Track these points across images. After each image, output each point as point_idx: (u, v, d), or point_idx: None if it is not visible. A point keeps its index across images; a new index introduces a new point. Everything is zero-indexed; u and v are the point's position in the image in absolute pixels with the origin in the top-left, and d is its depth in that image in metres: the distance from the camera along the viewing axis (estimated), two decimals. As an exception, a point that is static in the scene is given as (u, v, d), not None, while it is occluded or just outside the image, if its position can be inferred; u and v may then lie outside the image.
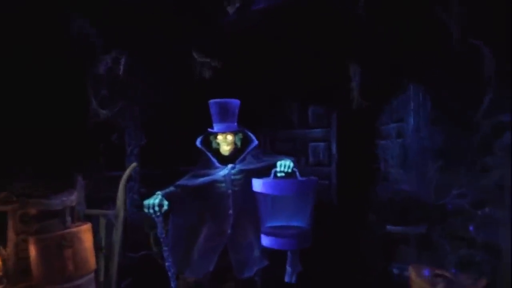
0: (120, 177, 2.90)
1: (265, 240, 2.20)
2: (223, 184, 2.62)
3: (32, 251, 2.14)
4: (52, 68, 2.38)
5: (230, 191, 2.59)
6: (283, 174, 2.25)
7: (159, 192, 2.47)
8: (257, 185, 2.14)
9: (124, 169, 2.98)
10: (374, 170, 3.41)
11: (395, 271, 2.36)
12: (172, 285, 2.42)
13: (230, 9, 1.86)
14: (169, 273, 2.42)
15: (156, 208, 2.36)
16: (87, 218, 2.51)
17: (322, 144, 3.71)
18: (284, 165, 2.28)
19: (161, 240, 2.44)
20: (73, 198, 2.27)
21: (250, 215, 2.65)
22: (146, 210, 2.37)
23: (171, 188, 2.61)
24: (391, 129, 3.37)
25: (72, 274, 2.16)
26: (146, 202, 2.39)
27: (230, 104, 2.55)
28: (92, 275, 2.24)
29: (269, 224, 2.25)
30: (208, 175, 2.64)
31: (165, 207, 2.37)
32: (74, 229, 2.21)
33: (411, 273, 1.94)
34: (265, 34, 2.56)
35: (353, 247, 2.57)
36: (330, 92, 3.52)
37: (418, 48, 2.51)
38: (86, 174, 2.58)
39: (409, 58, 2.61)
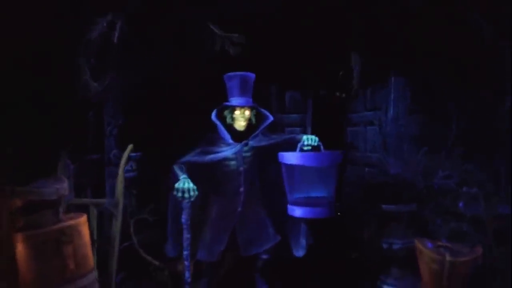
0: (98, 161, 2.59)
1: (296, 211, 2.25)
2: (234, 162, 2.54)
3: (22, 249, 1.77)
4: (37, 29, 1.94)
5: (241, 168, 2.53)
6: (309, 148, 2.32)
7: (184, 175, 2.28)
8: (291, 158, 2.19)
9: (102, 152, 2.66)
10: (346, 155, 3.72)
11: (385, 245, 2.65)
12: (187, 275, 2.28)
13: None
14: (186, 263, 2.28)
15: (192, 193, 2.18)
16: (75, 209, 2.16)
17: (297, 129, 3.78)
18: (311, 139, 2.34)
19: (184, 228, 2.27)
20: (66, 186, 1.92)
21: (258, 192, 2.67)
22: (180, 195, 2.18)
23: (182, 167, 2.41)
24: (364, 117, 3.68)
25: (74, 273, 1.86)
26: (179, 186, 2.20)
27: (249, 78, 2.44)
28: (94, 273, 1.96)
29: (297, 196, 2.29)
30: (216, 152, 2.51)
31: (195, 193, 2.21)
32: (73, 222, 1.88)
33: (417, 245, 2.19)
34: (255, 18, 2.50)
35: (351, 225, 2.78)
36: (307, 78, 3.65)
37: (404, 43, 2.77)
38: (69, 157, 2.21)
39: (395, 53, 2.86)
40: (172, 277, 2.83)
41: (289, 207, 2.32)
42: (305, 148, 2.34)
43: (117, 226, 2.07)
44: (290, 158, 2.21)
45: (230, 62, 2.45)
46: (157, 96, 2.49)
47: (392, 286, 2.69)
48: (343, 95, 3.89)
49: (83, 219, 1.96)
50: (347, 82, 2.89)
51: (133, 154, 2.99)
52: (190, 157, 2.50)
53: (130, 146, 2.18)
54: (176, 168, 2.39)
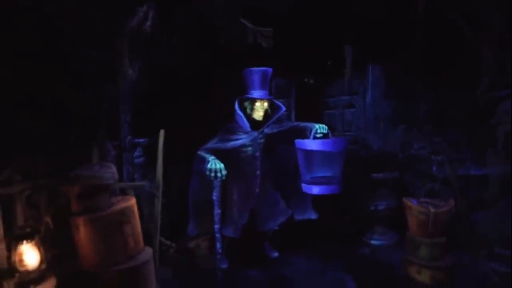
0: (117, 147, 2.63)
1: (313, 189, 2.58)
2: (251, 148, 2.84)
3: (87, 231, 1.82)
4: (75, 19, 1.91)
5: (257, 153, 2.86)
6: (321, 135, 2.65)
7: (213, 157, 2.45)
8: (309, 144, 2.52)
9: (119, 139, 2.69)
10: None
11: (372, 207, 3.15)
12: (219, 244, 2.50)
13: None
14: (217, 235, 2.50)
15: (223, 173, 2.37)
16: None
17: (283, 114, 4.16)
18: (322, 127, 2.69)
19: (216, 203, 2.47)
20: (116, 171, 1.99)
21: (269, 174, 2.99)
22: (212, 174, 2.40)
23: (207, 152, 2.58)
24: (341, 101, 4.13)
25: (133, 250, 1.97)
26: (210, 166, 2.44)
27: (268, 73, 2.70)
28: (150, 249, 2.08)
29: (312, 176, 2.62)
30: (235, 139, 2.74)
31: (225, 172, 2.39)
32: (130, 204, 1.97)
33: (406, 203, 2.70)
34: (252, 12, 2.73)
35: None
36: (291, 66, 3.97)
37: (380, 37, 3.23)
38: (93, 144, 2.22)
39: (373, 45, 3.31)
40: (182, 254, 3.06)
41: (305, 186, 2.61)
42: (318, 135, 2.66)
43: (158, 206, 2.20)
44: (308, 144, 2.51)
45: (228, 53, 2.67)
46: (175, 85, 2.60)
47: (377, 240, 3.28)
48: (311, 81, 4.33)
49: (134, 200, 2.07)
50: (335, 70, 3.30)
51: (141, 140, 3.09)
52: (213, 144, 2.73)
53: (161, 132, 2.28)
54: (202, 153, 2.63)
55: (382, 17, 2.72)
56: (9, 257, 1.78)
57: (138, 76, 2.32)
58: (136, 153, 3.08)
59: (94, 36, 2.02)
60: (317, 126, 2.68)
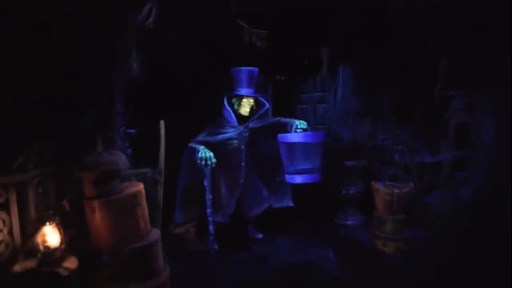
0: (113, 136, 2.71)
1: (297, 178, 2.87)
2: (236, 141, 3.09)
3: (103, 214, 1.94)
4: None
5: (243, 146, 3.11)
6: (301, 130, 2.92)
7: (203, 146, 2.63)
8: (291, 137, 2.83)
9: (114, 129, 2.77)
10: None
11: (343, 192, 3.52)
12: (211, 227, 2.70)
13: None
14: (209, 219, 2.70)
15: (212, 160, 2.55)
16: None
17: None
18: (302, 122, 2.99)
19: (207, 189, 2.66)
20: (125, 158, 2.10)
21: (253, 165, 3.23)
22: (203, 162, 2.58)
23: (197, 143, 2.75)
24: (314, 97, 4.47)
25: (143, 231, 2.12)
26: (201, 155, 2.66)
27: (255, 72, 2.94)
28: (158, 230, 2.22)
29: (295, 167, 2.89)
30: (223, 133, 2.95)
31: (214, 159, 2.58)
32: (139, 188, 2.11)
33: (374, 186, 3.10)
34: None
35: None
36: (271, 65, 4.22)
37: (350, 41, 3.60)
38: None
39: (343, 48, 3.67)
40: (171, 239, 3.22)
41: (289, 176, 2.90)
42: (298, 130, 2.97)
43: (160, 191, 2.35)
44: (291, 137, 2.82)
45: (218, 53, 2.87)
46: (170, 79, 2.74)
47: (347, 220, 3.69)
48: (283, 78, 4.65)
49: (142, 185, 2.22)
50: (310, 70, 3.63)
51: (132, 130, 3.17)
52: (202, 137, 2.94)
53: (162, 122, 2.42)
54: (193, 145, 2.85)
55: (355, 25, 3.08)
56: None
57: (139, 70, 2.45)
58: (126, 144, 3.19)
59: (102, 32, 2.13)
60: (297, 121, 3.00)
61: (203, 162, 2.67)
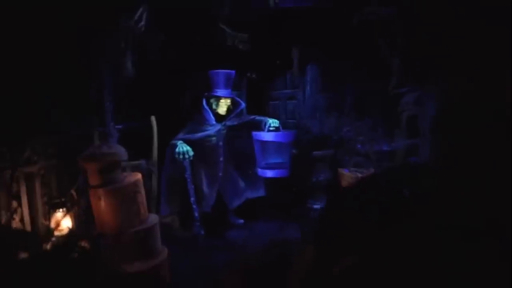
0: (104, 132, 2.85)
1: (268, 173, 3.19)
2: (215, 138, 3.36)
3: (108, 201, 2.10)
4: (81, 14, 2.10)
5: (220, 143, 3.39)
6: (273, 128, 3.22)
7: (181, 141, 2.82)
8: (264, 136, 3.18)
9: (104, 125, 2.90)
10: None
11: (314, 179, 3.89)
12: (196, 213, 2.92)
13: (271, 1, 2.48)
14: (194, 206, 2.92)
15: (190, 154, 2.76)
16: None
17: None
18: (274, 122, 3.28)
19: (188, 180, 2.86)
20: (124, 150, 2.27)
21: (230, 159, 3.48)
22: (180, 156, 2.74)
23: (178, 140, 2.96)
24: (284, 94, 4.80)
25: (143, 216, 2.33)
26: (178, 150, 2.80)
27: (232, 74, 3.19)
28: (156, 215, 2.41)
29: (266, 162, 3.20)
30: (202, 130, 3.22)
31: (191, 153, 2.80)
32: (139, 177, 2.29)
33: (340, 172, 3.49)
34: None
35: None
36: (245, 64, 4.49)
37: (318, 42, 3.97)
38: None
39: (311, 48, 4.03)
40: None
41: (261, 170, 3.27)
42: (271, 128, 3.30)
43: (155, 180, 2.54)
44: (264, 136, 3.16)
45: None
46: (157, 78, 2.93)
47: (317, 205, 4.08)
48: (254, 75, 4.97)
49: (140, 175, 2.40)
50: (281, 69, 3.96)
51: (119, 126, 3.30)
52: (183, 135, 3.16)
53: (153, 118, 2.60)
54: (173, 141, 3.05)
55: (321, 29, 3.45)
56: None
57: (132, 69, 2.62)
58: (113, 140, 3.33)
59: (99, 35, 2.28)
60: (270, 120, 3.33)
61: (181, 156, 2.90)
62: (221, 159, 3.36)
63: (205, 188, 3.29)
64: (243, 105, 3.39)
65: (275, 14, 3.06)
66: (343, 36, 3.74)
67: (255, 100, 4.86)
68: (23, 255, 1.39)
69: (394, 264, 1.19)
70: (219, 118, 3.26)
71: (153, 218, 2.45)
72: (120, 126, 3.32)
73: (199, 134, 3.17)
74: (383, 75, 3.59)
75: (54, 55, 2.21)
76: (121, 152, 2.26)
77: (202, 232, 3.31)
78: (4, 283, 1.36)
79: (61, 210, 2.04)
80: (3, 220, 1.73)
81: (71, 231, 1.99)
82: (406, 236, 1.29)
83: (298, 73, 3.88)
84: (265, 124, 3.30)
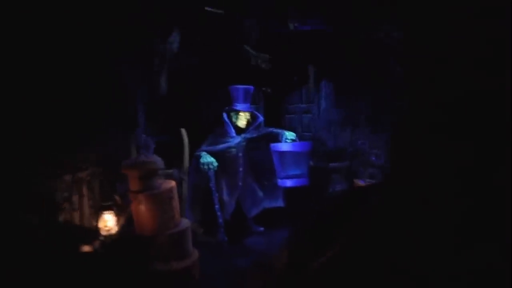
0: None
1: (287, 182, 3.36)
2: (235, 149, 3.58)
3: (148, 205, 2.33)
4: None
5: (240, 154, 3.60)
6: (290, 140, 3.42)
7: (205, 153, 3.05)
8: (283, 146, 3.36)
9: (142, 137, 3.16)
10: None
11: (330, 189, 4.06)
12: (220, 220, 3.12)
13: (291, 26, 2.73)
14: (218, 213, 3.12)
15: (214, 165, 2.99)
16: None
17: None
18: (291, 134, 3.49)
19: (213, 189, 3.07)
20: (160, 159, 2.50)
21: (249, 170, 3.69)
22: (205, 167, 2.98)
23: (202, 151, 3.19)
24: (300, 108, 5.03)
25: (177, 220, 2.53)
26: (203, 160, 3.03)
27: (250, 90, 3.45)
28: (186, 219, 2.62)
29: (286, 173, 3.39)
30: (223, 142, 3.44)
31: (216, 164, 3.02)
32: (173, 184, 2.51)
33: (355, 183, 3.66)
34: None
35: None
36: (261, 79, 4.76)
37: (332, 60, 4.22)
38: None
39: (325, 65, 4.28)
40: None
41: (280, 180, 3.44)
42: (288, 140, 3.52)
43: (185, 188, 2.76)
44: (282, 146, 3.37)
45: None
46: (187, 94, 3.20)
47: (333, 215, 4.23)
48: (269, 90, 5.22)
49: (174, 182, 2.62)
50: (297, 84, 4.21)
51: (154, 138, 3.56)
52: (205, 147, 3.41)
53: (183, 130, 2.84)
54: (197, 153, 3.28)
55: (334, 48, 3.69)
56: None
57: (166, 87, 2.89)
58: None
59: (138, 56, 2.55)
60: (287, 133, 3.55)
61: (206, 167, 3.13)
62: (241, 169, 3.58)
63: (225, 196, 3.50)
64: (261, 118, 3.61)
65: (294, 36, 3.31)
66: (356, 54, 3.99)
67: (272, 114, 5.13)
68: (86, 248, 1.60)
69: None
70: (238, 130, 3.51)
71: (185, 222, 2.67)
72: (155, 138, 3.60)
73: (221, 146, 3.41)
74: (395, 94, 3.81)
75: (102, 78, 2.48)
76: (158, 161, 2.50)
77: (226, 238, 3.51)
78: (69, 273, 1.58)
79: (108, 212, 2.27)
80: (64, 218, 1.97)
81: (119, 231, 2.21)
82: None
83: (314, 88, 4.11)
84: (282, 136, 3.51)
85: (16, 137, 1.87)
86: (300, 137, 5.07)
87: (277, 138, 3.59)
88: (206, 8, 2.47)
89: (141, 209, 2.43)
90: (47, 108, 2.05)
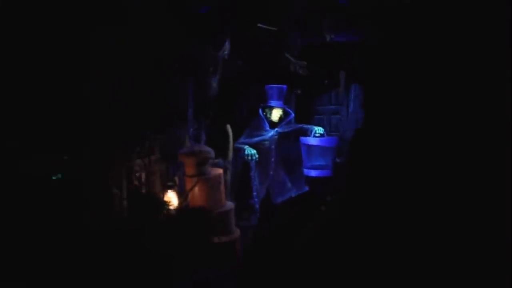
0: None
1: (312, 172, 3.70)
2: (268, 142, 3.95)
3: (202, 188, 2.78)
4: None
5: (273, 146, 3.98)
6: (318, 135, 3.79)
7: (247, 146, 3.48)
8: (311, 140, 3.67)
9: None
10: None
11: (354, 185, 4.40)
12: (257, 206, 3.54)
13: (327, 37, 3.10)
14: (255, 200, 3.54)
15: (256, 156, 3.42)
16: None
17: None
18: (319, 129, 3.83)
19: (253, 177, 3.50)
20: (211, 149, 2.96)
21: (280, 161, 4.09)
22: (249, 158, 3.40)
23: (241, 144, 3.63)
24: (329, 109, 5.37)
25: (224, 202, 2.97)
26: (247, 152, 3.44)
27: (284, 89, 3.85)
28: (231, 202, 3.08)
29: (312, 163, 3.76)
30: (258, 135, 3.85)
31: (257, 155, 3.45)
32: (221, 171, 2.95)
33: None
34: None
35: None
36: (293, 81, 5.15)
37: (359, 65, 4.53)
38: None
39: (354, 70, 4.59)
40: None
41: (306, 170, 3.85)
42: (316, 135, 3.91)
43: (229, 175, 3.20)
44: (310, 140, 3.76)
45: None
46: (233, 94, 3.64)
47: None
48: (299, 91, 5.58)
49: (221, 170, 3.06)
50: (327, 87, 4.56)
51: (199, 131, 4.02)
52: (243, 139, 3.85)
53: (228, 126, 3.27)
54: (238, 145, 3.75)
55: (364, 56, 3.99)
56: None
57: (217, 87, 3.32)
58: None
59: (199, 64, 3.00)
60: (316, 128, 3.91)
61: (249, 158, 3.54)
62: (273, 160, 3.98)
63: (257, 185, 3.92)
64: (293, 114, 4.02)
65: (329, 46, 3.66)
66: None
67: (302, 114, 5.49)
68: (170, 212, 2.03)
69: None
70: (272, 125, 3.93)
71: (230, 204, 3.10)
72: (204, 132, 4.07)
73: (256, 139, 3.85)
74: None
75: (164, 83, 2.93)
76: (210, 150, 2.93)
77: (257, 223, 3.92)
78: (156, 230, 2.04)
79: (171, 190, 2.73)
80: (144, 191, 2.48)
81: (179, 206, 2.66)
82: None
83: (344, 91, 4.43)
84: (311, 131, 3.89)
85: (106, 132, 2.36)
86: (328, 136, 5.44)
87: (306, 133, 3.97)
88: (259, 25, 2.86)
89: (195, 190, 2.88)
90: (126, 111, 2.52)
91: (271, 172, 3.99)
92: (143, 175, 2.72)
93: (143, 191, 2.51)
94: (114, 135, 2.36)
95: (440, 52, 2.24)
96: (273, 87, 3.79)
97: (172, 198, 2.69)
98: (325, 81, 4.78)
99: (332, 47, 3.98)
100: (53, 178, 2.19)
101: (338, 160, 4.44)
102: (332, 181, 4.47)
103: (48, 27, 2.05)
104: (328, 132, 5.60)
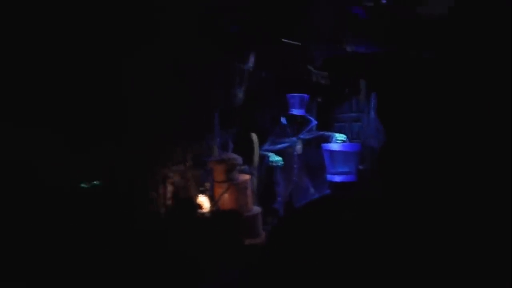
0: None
1: (336, 178, 3.82)
2: (291, 148, 4.04)
3: (231, 192, 2.97)
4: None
5: (295, 152, 4.07)
6: (340, 141, 3.92)
7: (272, 153, 3.67)
8: (334, 146, 3.78)
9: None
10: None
11: (376, 191, 4.47)
12: (281, 211, 3.70)
13: (348, 48, 3.31)
14: (280, 203, 3.70)
15: (281, 162, 3.60)
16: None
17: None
18: (340, 136, 3.96)
19: (278, 182, 3.67)
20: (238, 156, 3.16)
21: (303, 167, 4.21)
22: (275, 164, 3.57)
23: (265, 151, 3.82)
24: (350, 117, 5.48)
25: (250, 206, 3.16)
26: (274, 159, 3.62)
27: (305, 97, 4.00)
28: (258, 206, 3.25)
29: (335, 169, 3.88)
30: (281, 142, 3.99)
31: (282, 162, 3.63)
32: (248, 177, 3.14)
33: None
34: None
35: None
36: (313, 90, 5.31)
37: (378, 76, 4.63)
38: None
39: (374, 79, 4.70)
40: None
41: (330, 176, 3.96)
42: (338, 141, 4.03)
43: (255, 181, 3.38)
44: (332, 146, 3.88)
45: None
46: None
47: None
48: (319, 99, 5.72)
49: (249, 176, 3.24)
50: (348, 95, 4.70)
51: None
52: (267, 146, 4.02)
53: (253, 134, 3.46)
54: (263, 152, 3.91)
55: (385, 66, 4.11)
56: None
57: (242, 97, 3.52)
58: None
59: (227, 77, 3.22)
60: (337, 135, 4.03)
61: (274, 164, 3.71)
62: (295, 166, 4.14)
63: (282, 190, 4.07)
64: (314, 122, 4.17)
65: (350, 57, 3.81)
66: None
67: (323, 122, 5.62)
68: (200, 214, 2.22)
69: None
70: (294, 132, 4.08)
71: (257, 208, 3.27)
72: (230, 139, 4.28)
73: (279, 146, 4.04)
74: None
75: (195, 95, 3.17)
76: (238, 158, 3.12)
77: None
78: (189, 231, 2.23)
79: (203, 195, 2.93)
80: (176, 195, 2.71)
81: (211, 210, 2.86)
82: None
83: (364, 100, 4.54)
84: (332, 138, 4.03)
85: (145, 143, 2.60)
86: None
87: (327, 140, 4.11)
88: (283, 40, 3.05)
89: (224, 195, 3.06)
90: (162, 122, 2.78)
91: (295, 178, 4.17)
92: (179, 181, 2.94)
93: (180, 195, 2.73)
94: (152, 145, 2.60)
95: (459, 63, 2.34)
96: (295, 96, 3.99)
97: (204, 202, 2.89)
98: (346, 90, 4.93)
99: (353, 57, 4.14)
100: (95, 183, 2.45)
101: (361, 167, 4.54)
102: (356, 187, 4.59)
103: (102, 48, 2.33)
104: (350, 139, 5.70)
